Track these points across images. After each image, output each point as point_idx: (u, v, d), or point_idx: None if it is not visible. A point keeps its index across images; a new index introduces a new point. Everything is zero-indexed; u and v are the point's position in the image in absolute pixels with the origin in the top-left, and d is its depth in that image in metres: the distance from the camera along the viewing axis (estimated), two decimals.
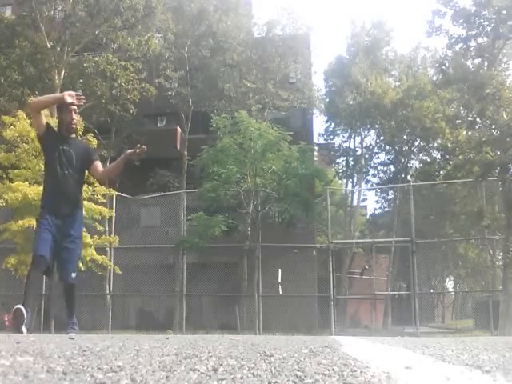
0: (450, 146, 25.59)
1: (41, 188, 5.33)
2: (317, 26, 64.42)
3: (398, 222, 26.15)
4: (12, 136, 13.69)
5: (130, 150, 4.96)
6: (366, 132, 30.47)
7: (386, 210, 32.91)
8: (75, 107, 4.88)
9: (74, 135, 5.03)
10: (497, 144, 15.68)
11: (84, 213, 13.65)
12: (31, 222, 11.80)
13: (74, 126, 4.89)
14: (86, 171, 5.09)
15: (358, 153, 30.43)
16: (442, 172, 27.29)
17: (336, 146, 31.42)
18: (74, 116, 4.87)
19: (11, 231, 13.01)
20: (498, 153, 15.79)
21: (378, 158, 30.50)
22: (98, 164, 5.07)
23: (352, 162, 30.38)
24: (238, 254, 20.12)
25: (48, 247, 4.52)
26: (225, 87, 22.67)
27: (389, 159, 29.78)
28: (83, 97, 4.93)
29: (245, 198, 16.70)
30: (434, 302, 33.31)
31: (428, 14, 17.59)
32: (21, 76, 19.91)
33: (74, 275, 4.70)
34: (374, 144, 30.52)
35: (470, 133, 19.24)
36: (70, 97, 4.76)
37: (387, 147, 29.64)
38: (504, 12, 15.47)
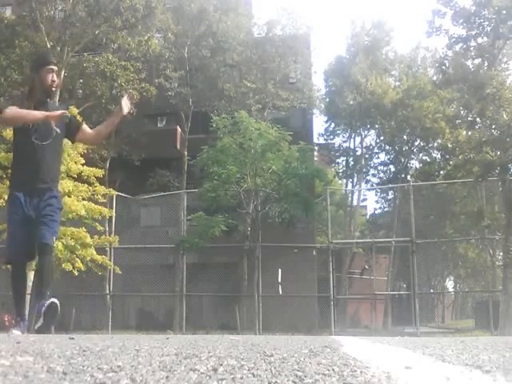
0: (450, 145, 25.60)
1: None
2: (317, 26, 64.51)
3: (398, 221, 26.15)
4: (12, 136, 13.68)
5: (124, 100, 4.28)
6: (365, 132, 30.52)
7: (386, 209, 32.94)
8: (56, 68, 4.23)
9: (49, 99, 4.26)
10: (497, 144, 15.68)
11: (84, 213, 13.79)
12: None
13: (54, 88, 4.16)
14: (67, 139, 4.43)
15: (358, 153, 30.46)
16: (442, 172, 27.32)
17: (336, 146, 31.47)
18: (55, 78, 4.14)
19: None
20: (498, 153, 15.79)
21: (378, 157, 30.59)
22: (86, 126, 4.39)
23: (352, 162, 30.40)
24: (238, 254, 20.12)
25: (24, 245, 3.95)
26: (225, 87, 22.67)
27: (389, 159, 29.82)
28: (68, 115, 4.16)
29: (245, 198, 16.70)
30: (434, 302, 33.34)
31: (428, 13, 17.59)
32: (21, 76, 19.88)
33: (53, 238, 4.00)
34: (374, 144, 30.59)
35: (470, 133, 19.23)
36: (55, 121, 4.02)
37: (387, 147, 29.66)
38: (504, 12, 15.46)
